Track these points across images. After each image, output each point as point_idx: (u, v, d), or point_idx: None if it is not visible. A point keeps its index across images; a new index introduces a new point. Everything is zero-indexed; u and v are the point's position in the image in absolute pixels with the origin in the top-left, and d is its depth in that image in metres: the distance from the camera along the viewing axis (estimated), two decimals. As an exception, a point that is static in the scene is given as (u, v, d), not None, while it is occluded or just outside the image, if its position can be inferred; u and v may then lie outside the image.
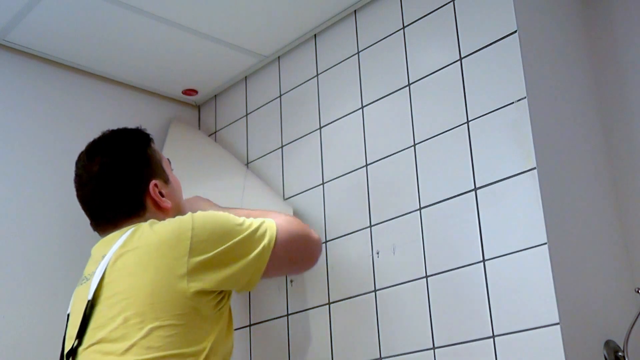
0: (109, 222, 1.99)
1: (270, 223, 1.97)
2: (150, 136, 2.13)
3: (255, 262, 1.90)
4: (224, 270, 1.83)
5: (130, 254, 1.80)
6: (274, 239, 1.93)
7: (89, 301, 1.78)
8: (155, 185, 1.99)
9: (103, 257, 1.87)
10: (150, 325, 1.70)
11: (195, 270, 1.77)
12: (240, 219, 1.94)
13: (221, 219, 1.90)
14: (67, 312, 1.95)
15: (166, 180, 2.06)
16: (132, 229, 1.89)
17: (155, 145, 2.13)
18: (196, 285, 1.76)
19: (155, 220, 1.93)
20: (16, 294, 2.54)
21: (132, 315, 1.72)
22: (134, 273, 1.77)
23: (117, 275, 1.79)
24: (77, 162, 2.07)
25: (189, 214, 1.89)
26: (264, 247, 1.91)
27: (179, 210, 2.04)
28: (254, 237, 1.91)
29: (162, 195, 2.00)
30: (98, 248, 1.97)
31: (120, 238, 1.87)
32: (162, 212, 1.99)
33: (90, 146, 2.07)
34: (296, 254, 2.06)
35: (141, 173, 1.99)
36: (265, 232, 1.94)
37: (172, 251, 1.77)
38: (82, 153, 2.08)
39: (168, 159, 2.14)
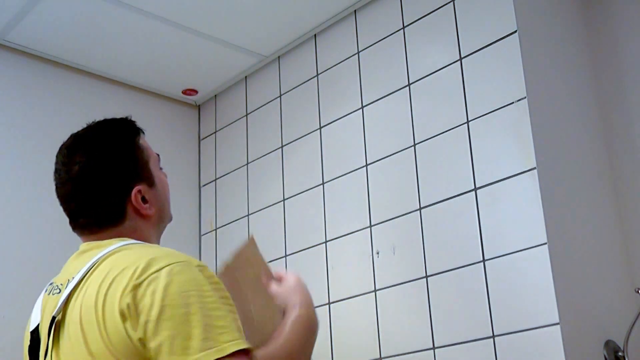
0: (85, 228, 1.76)
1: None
2: (140, 129, 1.87)
3: None
4: None
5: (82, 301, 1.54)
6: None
7: (52, 323, 1.59)
8: (139, 191, 1.74)
9: (71, 278, 1.66)
10: None
11: None
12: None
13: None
14: (34, 319, 1.74)
15: (151, 183, 1.79)
16: (102, 254, 1.63)
17: (144, 139, 1.86)
18: None
19: (126, 248, 1.63)
20: (16, 294, 2.54)
21: None
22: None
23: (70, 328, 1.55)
24: (57, 155, 1.82)
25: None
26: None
27: (162, 215, 1.83)
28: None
29: (145, 201, 1.75)
30: (72, 261, 1.78)
31: (89, 261, 1.64)
32: (144, 220, 1.76)
33: (72, 140, 1.84)
34: None
35: (124, 178, 1.75)
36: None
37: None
38: (63, 145, 1.84)
39: (158, 155, 1.88)
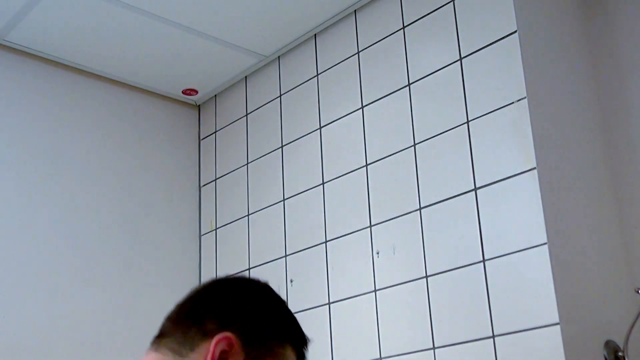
0: (160, 335, 1.34)
1: None
2: (304, 345, 1.38)
3: None
4: None
5: None
6: None
7: None
8: (229, 341, 1.27)
9: None
10: None
11: None
12: None
13: None
14: None
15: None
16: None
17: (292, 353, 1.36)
18: None
19: None
20: (16, 294, 2.54)
21: None
22: None
23: None
24: None
25: None
26: None
27: None
28: None
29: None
30: None
31: None
32: None
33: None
34: None
35: (233, 316, 1.32)
36: None
37: None
38: None
39: None
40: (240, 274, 1.57)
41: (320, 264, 2.55)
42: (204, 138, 3.21)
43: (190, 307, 1.34)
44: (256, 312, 1.33)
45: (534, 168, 2.05)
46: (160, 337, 1.32)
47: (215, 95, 3.20)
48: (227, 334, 1.26)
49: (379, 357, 2.31)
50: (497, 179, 2.13)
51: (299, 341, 1.35)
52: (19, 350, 2.50)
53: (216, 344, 1.25)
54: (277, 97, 2.91)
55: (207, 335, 1.27)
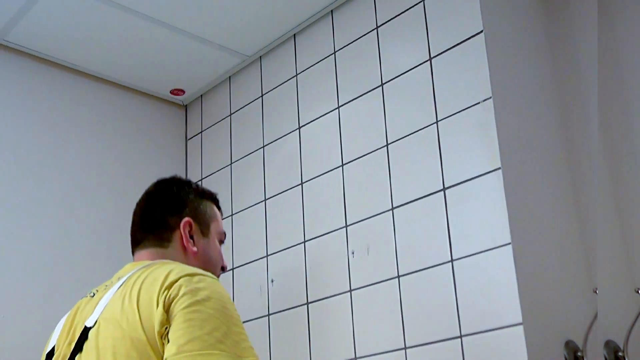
0: (139, 243, 1.86)
1: None
2: (217, 200, 2.03)
3: None
4: None
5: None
6: None
7: (85, 328, 1.66)
8: (189, 224, 1.86)
9: (108, 287, 1.73)
10: None
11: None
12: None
13: None
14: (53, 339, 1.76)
15: (205, 233, 1.91)
16: (141, 267, 1.70)
17: (218, 211, 2.00)
18: None
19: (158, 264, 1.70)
20: (16, 294, 2.58)
21: None
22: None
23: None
24: None
25: None
26: None
27: (204, 268, 1.76)
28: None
29: (192, 240, 1.86)
30: (121, 272, 1.80)
31: (129, 272, 1.70)
32: (185, 254, 1.84)
33: (158, 179, 1.99)
34: None
35: (180, 207, 1.88)
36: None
37: None
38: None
39: (225, 233, 2.02)
40: (167, 178, 1.97)
41: (299, 264, 2.57)
42: (190, 138, 3.23)
43: (149, 217, 1.86)
44: (187, 196, 1.90)
45: (499, 168, 2.05)
46: (140, 245, 1.84)
47: (201, 95, 3.22)
48: (185, 219, 1.84)
49: (354, 357, 2.32)
50: (464, 179, 2.14)
51: (215, 198, 2.00)
52: (19, 350, 2.53)
53: (184, 229, 1.83)
54: (259, 97, 2.92)
55: (174, 227, 1.84)
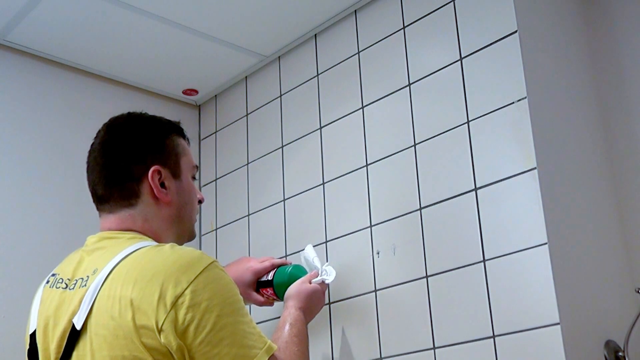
0: (103, 201, 1.72)
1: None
2: (184, 133, 1.85)
3: None
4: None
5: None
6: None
7: (74, 329, 1.56)
8: (158, 172, 1.69)
9: (94, 271, 1.61)
10: None
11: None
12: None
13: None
14: (33, 320, 1.70)
15: (176, 175, 1.74)
16: (134, 248, 1.60)
17: (185, 143, 1.84)
18: None
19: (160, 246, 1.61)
20: (16, 294, 2.54)
21: None
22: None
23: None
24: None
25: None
26: None
27: (180, 215, 1.75)
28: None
29: (164, 187, 1.71)
30: (85, 255, 1.70)
31: (118, 254, 1.59)
32: (158, 205, 1.70)
33: (111, 120, 1.83)
34: None
35: (144, 153, 1.70)
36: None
37: None
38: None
39: (196, 166, 1.84)
40: (119, 119, 1.80)
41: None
42: (204, 138, 3.21)
43: (111, 168, 1.68)
44: (150, 137, 1.72)
45: (534, 168, 2.05)
46: (104, 202, 1.71)
47: (216, 96, 3.20)
48: (153, 167, 1.67)
49: (379, 357, 2.31)
50: (497, 179, 2.13)
51: (179, 129, 1.81)
52: (19, 350, 2.49)
53: (152, 179, 1.66)
54: (278, 97, 2.91)
55: (141, 178, 1.67)
